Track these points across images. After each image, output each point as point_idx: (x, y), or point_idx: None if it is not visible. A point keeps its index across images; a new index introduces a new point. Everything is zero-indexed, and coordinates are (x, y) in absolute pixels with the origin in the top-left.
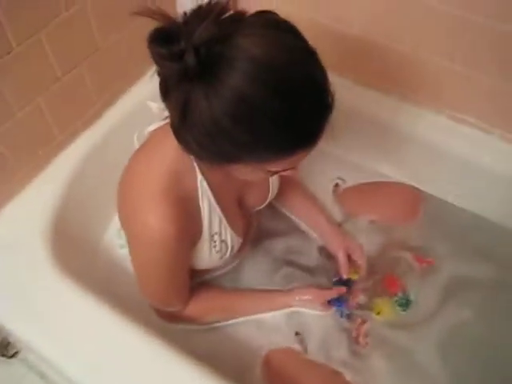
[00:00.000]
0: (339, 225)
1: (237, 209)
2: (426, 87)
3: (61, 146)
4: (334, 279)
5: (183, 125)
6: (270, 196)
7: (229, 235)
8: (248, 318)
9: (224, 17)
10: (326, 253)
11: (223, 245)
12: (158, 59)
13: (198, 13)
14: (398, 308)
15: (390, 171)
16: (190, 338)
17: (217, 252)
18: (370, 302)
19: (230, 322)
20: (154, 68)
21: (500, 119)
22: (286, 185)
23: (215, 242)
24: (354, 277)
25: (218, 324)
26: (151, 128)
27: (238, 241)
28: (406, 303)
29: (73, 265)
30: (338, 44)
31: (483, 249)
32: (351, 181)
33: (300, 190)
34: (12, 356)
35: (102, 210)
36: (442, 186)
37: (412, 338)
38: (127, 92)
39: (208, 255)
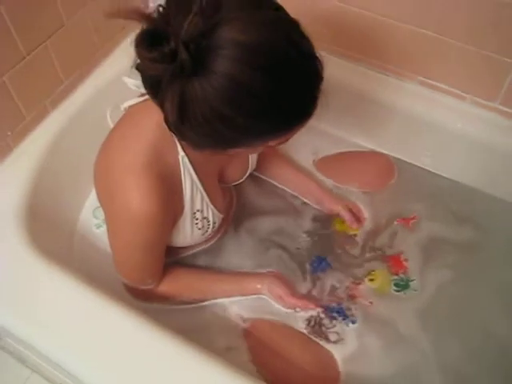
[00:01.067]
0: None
1: (217, 184)
2: (397, 55)
3: (30, 126)
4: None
5: (182, 120)
6: (250, 169)
7: (210, 212)
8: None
9: (203, 5)
10: (322, 220)
11: (205, 221)
12: (150, 64)
13: (179, 6)
14: (393, 286)
15: (364, 141)
16: (168, 316)
17: (199, 229)
18: (368, 267)
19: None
20: (123, 44)
21: (472, 85)
22: (271, 156)
23: (197, 219)
24: (356, 231)
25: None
26: (127, 104)
27: (220, 217)
28: (403, 285)
29: (49, 246)
30: (310, 15)
31: (459, 212)
32: (326, 152)
33: (286, 160)
34: None
35: (76, 190)
36: (416, 153)
37: (394, 309)
38: (96, 69)
39: (190, 232)
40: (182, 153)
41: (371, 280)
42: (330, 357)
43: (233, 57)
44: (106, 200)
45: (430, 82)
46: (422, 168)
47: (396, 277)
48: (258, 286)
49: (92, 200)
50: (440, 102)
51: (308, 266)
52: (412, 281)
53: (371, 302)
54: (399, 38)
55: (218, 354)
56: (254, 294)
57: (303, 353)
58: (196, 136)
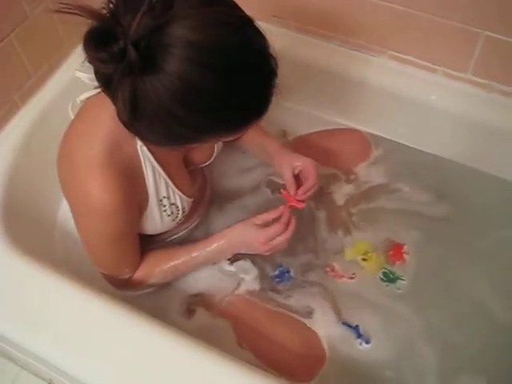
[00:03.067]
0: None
1: (183, 168)
2: (365, 30)
3: (1, 122)
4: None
5: (135, 118)
6: (216, 152)
7: (178, 197)
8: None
9: (154, 2)
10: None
11: (173, 207)
12: (99, 63)
13: (128, 2)
14: (380, 274)
15: (338, 118)
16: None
17: (168, 215)
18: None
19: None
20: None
21: (442, 57)
22: None
23: (165, 206)
24: (300, 205)
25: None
26: (83, 97)
27: (189, 201)
28: (391, 279)
29: (29, 243)
30: None
31: (437, 186)
32: (299, 131)
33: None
34: None
35: (52, 184)
36: (391, 128)
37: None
38: (64, 62)
39: (159, 220)
40: (139, 142)
41: (364, 260)
42: (314, 335)
43: (183, 56)
44: (69, 193)
45: (400, 55)
46: (398, 142)
47: (388, 267)
48: (222, 242)
49: None
50: (411, 75)
51: None
52: (401, 279)
53: (354, 274)
54: (367, 13)
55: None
56: (226, 254)
57: (288, 333)
58: (150, 134)
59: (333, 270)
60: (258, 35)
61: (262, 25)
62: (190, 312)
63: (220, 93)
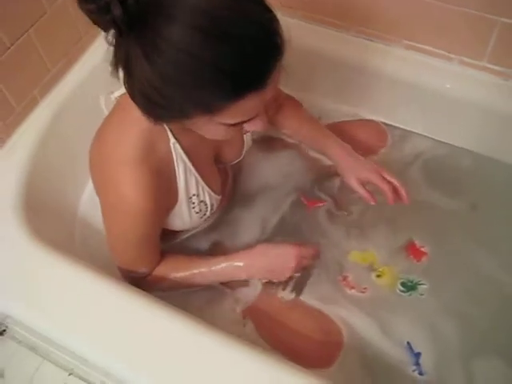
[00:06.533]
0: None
1: (213, 166)
2: (380, 20)
3: (21, 117)
4: None
5: (130, 80)
6: (245, 148)
7: (207, 195)
8: None
9: None
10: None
11: (202, 205)
12: (89, 15)
13: None
14: (399, 286)
15: (354, 109)
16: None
17: (197, 213)
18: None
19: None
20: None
21: (458, 45)
22: (287, 107)
23: (193, 203)
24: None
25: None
26: (118, 93)
27: (217, 199)
28: (410, 287)
29: (50, 235)
30: None
31: (450, 175)
32: None
33: (304, 112)
34: (0, 334)
35: (73, 177)
36: (407, 118)
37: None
38: (83, 56)
39: (188, 217)
40: (172, 139)
41: (378, 276)
42: (331, 321)
43: (185, 21)
44: (101, 190)
45: (415, 45)
46: (413, 132)
47: (404, 276)
48: (246, 256)
49: (91, 187)
50: (427, 64)
51: None
52: (421, 284)
53: (365, 289)
54: (381, 2)
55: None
56: (250, 271)
57: (305, 320)
58: (143, 98)
59: (345, 279)
60: (265, 8)
61: None
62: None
63: (215, 60)
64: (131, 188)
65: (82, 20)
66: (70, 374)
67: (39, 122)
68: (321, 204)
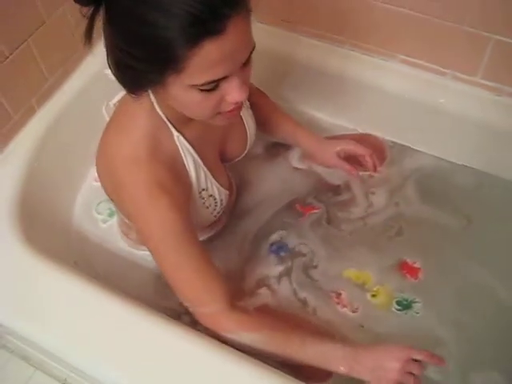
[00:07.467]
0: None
1: (219, 162)
2: (376, 34)
3: (18, 126)
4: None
5: (107, 53)
6: (249, 144)
7: (216, 189)
8: None
9: None
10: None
11: (211, 199)
12: None
13: None
14: (395, 305)
15: (349, 123)
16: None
17: (207, 208)
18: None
19: None
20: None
21: (452, 60)
22: (254, 97)
23: (203, 198)
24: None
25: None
26: (116, 99)
27: (226, 193)
28: (405, 306)
29: (45, 243)
30: None
31: (444, 189)
32: None
33: (272, 103)
34: None
35: (68, 186)
36: (401, 132)
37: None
38: (80, 65)
39: (199, 212)
40: (176, 133)
41: (374, 296)
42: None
43: None
44: (121, 196)
45: (410, 59)
46: (407, 146)
47: (399, 295)
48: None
49: (85, 195)
50: (421, 78)
51: None
52: (415, 302)
53: (357, 308)
54: (377, 17)
55: None
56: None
57: None
58: (124, 71)
59: (338, 296)
60: None
61: (271, 29)
62: None
63: (156, 2)
64: (145, 187)
65: (79, 30)
66: None
67: (36, 130)
68: (316, 210)
